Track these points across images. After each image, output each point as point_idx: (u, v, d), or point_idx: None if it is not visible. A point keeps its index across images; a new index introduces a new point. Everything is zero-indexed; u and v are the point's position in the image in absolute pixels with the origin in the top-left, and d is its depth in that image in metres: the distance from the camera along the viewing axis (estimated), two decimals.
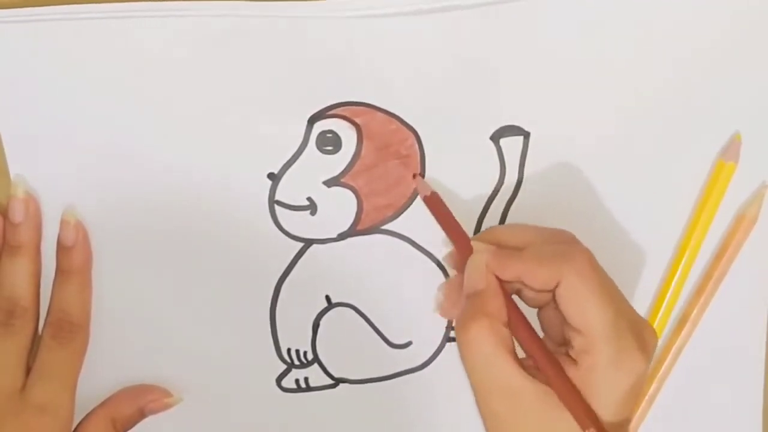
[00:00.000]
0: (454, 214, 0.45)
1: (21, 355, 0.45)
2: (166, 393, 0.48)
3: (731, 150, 0.47)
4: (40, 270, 0.46)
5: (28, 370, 0.45)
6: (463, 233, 0.45)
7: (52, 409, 0.44)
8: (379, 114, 0.45)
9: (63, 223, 0.45)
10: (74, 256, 0.45)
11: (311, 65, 0.44)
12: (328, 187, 0.46)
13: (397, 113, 0.45)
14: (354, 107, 0.45)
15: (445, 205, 0.45)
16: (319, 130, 0.45)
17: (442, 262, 0.47)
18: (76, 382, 0.46)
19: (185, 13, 0.43)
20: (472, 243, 0.44)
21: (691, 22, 0.45)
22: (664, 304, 0.49)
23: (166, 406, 0.47)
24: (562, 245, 0.42)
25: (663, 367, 0.50)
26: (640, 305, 0.49)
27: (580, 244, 0.42)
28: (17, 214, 0.45)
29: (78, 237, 0.45)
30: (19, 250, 0.45)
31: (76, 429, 0.46)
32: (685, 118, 0.46)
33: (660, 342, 0.50)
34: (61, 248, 0.45)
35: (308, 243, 0.47)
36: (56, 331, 0.45)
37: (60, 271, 0.46)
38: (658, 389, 0.50)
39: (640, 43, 0.45)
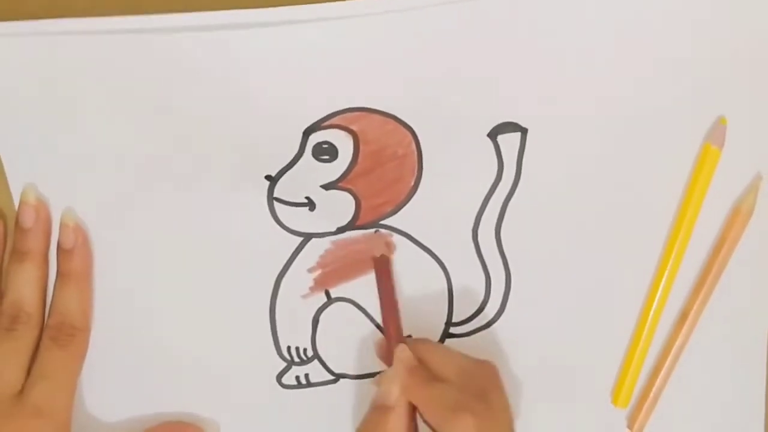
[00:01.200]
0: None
1: (22, 359, 0.45)
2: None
3: (717, 134, 0.47)
4: (47, 276, 0.46)
5: (27, 377, 0.45)
6: (398, 326, 0.47)
7: (49, 411, 0.44)
8: (376, 116, 0.45)
9: (62, 227, 0.46)
10: (74, 259, 0.46)
11: (304, 72, 0.44)
12: (326, 190, 0.46)
13: (394, 113, 0.45)
14: (350, 113, 0.45)
15: (392, 279, 0.47)
16: (315, 141, 0.45)
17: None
18: (75, 384, 0.46)
19: (177, 24, 0.43)
20: (397, 351, 0.46)
21: (678, 12, 0.45)
22: (659, 292, 0.49)
23: None
24: (470, 399, 0.43)
25: (666, 365, 0.49)
26: (635, 293, 0.49)
27: (493, 393, 0.44)
28: (27, 219, 0.45)
29: (77, 240, 0.46)
30: (26, 255, 0.45)
31: None
32: (677, 106, 0.47)
33: (662, 339, 0.50)
34: (61, 251, 0.46)
35: (307, 237, 0.47)
36: (56, 333, 0.45)
37: (60, 274, 0.46)
38: (662, 387, 0.50)
39: (633, 35, 0.45)
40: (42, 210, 0.46)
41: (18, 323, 0.45)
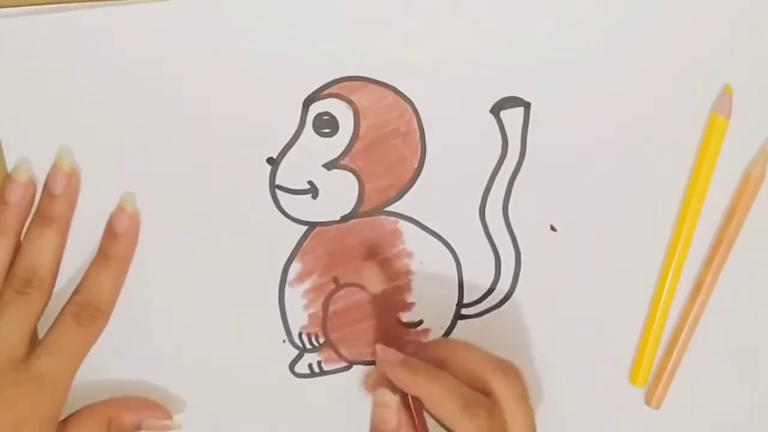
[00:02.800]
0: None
1: (29, 325, 0.44)
2: (168, 415, 0.47)
3: (723, 104, 0.46)
4: (65, 245, 0.45)
5: (32, 342, 0.44)
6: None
7: (53, 384, 0.43)
8: (375, 87, 0.45)
9: (118, 210, 0.46)
10: (120, 245, 0.45)
11: (301, 40, 0.44)
12: (328, 170, 0.46)
13: (393, 84, 0.45)
14: (348, 83, 0.45)
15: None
16: (315, 113, 0.45)
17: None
18: (79, 365, 0.45)
19: None
20: (378, 352, 0.45)
21: None
22: (672, 267, 0.48)
23: (164, 428, 0.47)
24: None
25: (682, 338, 0.49)
26: (648, 267, 0.49)
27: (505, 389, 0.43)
28: (58, 185, 0.45)
29: (130, 226, 0.45)
30: (51, 221, 0.45)
31: (69, 417, 0.45)
32: (682, 77, 0.46)
33: (676, 311, 0.49)
34: (110, 233, 0.46)
35: (312, 226, 0.47)
36: (79, 310, 0.45)
37: (102, 255, 0.46)
38: (678, 360, 0.49)
39: (636, 5, 0.45)
40: (73, 178, 0.45)
41: (30, 287, 0.44)
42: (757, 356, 0.50)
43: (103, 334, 0.46)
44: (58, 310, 0.45)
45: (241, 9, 0.44)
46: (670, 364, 0.49)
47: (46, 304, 0.45)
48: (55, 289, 0.45)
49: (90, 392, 0.46)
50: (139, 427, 0.47)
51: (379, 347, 0.45)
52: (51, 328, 0.44)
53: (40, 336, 0.45)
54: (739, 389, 0.50)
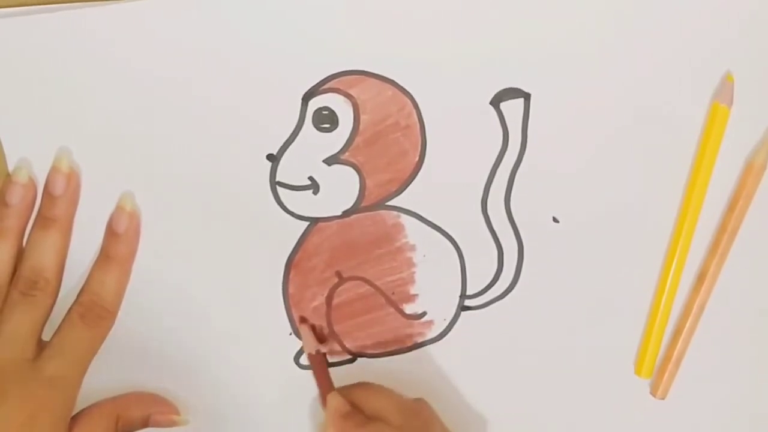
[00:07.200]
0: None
1: (36, 326, 0.44)
2: (175, 410, 0.48)
3: (724, 92, 0.46)
4: (69, 245, 0.46)
5: (39, 343, 0.45)
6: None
7: (63, 385, 0.44)
8: (374, 81, 0.45)
9: (118, 209, 0.46)
10: (122, 244, 0.46)
11: (299, 35, 0.44)
12: (329, 165, 0.46)
13: (392, 78, 0.45)
14: (347, 77, 0.45)
15: (325, 363, 0.48)
16: (315, 108, 0.45)
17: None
18: (89, 364, 0.45)
19: None
20: (328, 399, 0.45)
21: None
22: (676, 256, 0.48)
23: (171, 423, 0.47)
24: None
25: (686, 327, 0.49)
26: (652, 257, 0.48)
27: (435, 427, 0.45)
28: (57, 186, 0.45)
29: (130, 225, 0.46)
30: (53, 223, 0.45)
31: (78, 414, 0.46)
32: (682, 66, 0.46)
33: (680, 301, 0.49)
34: (111, 233, 0.46)
35: (314, 221, 0.47)
36: (85, 311, 0.45)
37: (104, 255, 0.46)
38: (684, 350, 0.49)
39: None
40: (73, 178, 0.45)
41: (36, 289, 0.44)
42: (761, 345, 0.50)
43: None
44: (64, 313, 0.45)
45: (240, 5, 0.44)
46: (675, 355, 0.49)
47: (52, 306, 0.45)
48: (61, 291, 0.46)
49: (97, 390, 0.47)
50: (147, 422, 0.47)
51: (330, 395, 0.46)
52: (58, 330, 0.45)
53: (46, 338, 0.45)
54: (744, 378, 0.50)
